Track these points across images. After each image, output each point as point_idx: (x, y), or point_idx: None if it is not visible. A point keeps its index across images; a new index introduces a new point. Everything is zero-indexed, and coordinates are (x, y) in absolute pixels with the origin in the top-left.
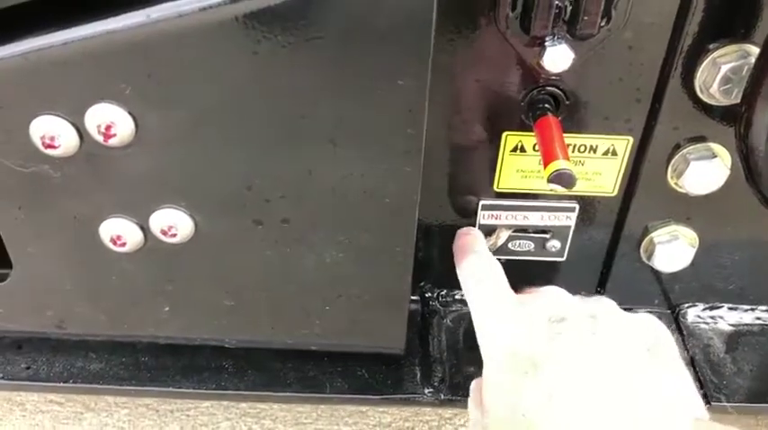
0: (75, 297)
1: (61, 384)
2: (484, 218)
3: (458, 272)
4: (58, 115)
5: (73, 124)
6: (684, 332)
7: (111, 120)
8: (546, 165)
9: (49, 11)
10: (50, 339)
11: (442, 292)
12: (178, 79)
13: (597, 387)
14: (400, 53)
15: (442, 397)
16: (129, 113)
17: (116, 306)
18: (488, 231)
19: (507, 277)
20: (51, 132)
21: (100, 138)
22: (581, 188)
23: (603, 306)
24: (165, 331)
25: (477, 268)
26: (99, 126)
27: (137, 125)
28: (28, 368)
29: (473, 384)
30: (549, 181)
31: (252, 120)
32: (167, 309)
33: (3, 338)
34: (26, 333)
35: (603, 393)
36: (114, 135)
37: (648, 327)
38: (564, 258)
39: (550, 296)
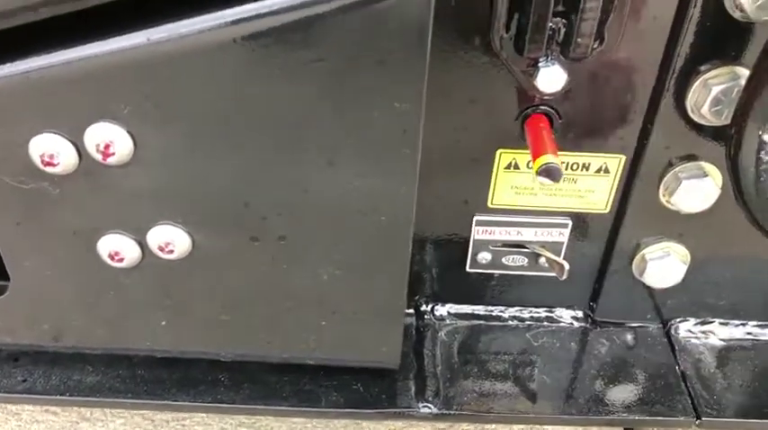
0: (72, 310)
1: (58, 397)
2: (478, 233)
3: None
4: (58, 133)
5: (72, 142)
6: (676, 347)
7: (110, 139)
8: (535, 159)
9: (52, 29)
10: (47, 352)
11: (437, 306)
12: (177, 99)
13: None
14: (396, 77)
15: (437, 411)
16: (128, 132)
17: (113, 320)
18: (483, 246)
19: (501, 292)
20: (51, 150)
21: (99, 157)
22: (574, 205)
23: None
24: (162, 344)
25: None
26: (98, 145)
27: (135, 144)
28: (24, 381)
29: None
30: (538, 174)
31: (250, 140)
32: (164, 322)
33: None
34: (23, 346)
35: None
36: (113, 154)
37: None
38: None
39: None
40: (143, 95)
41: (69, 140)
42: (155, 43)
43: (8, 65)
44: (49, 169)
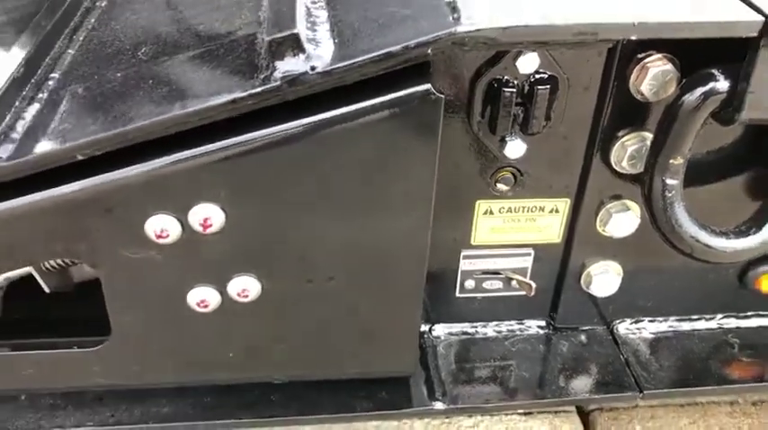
0: (158, 352)
1: (142, 425)
2: (465, 265)
3: None
4: (168, 214)
5: (179, 220)
6: (619, 341)
7: (209, 215)
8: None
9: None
10: (126, 390)
11: (434, 327)
12: (259, 184)
13: None
14: (416, 161)
15: (446, 407)
16: (222, 209)
17: (190, 356)
18: (469, 275)
19: (483, 311)
20: (162, 226)
21: (200, 229)
22: (534, 238)
23: None
24: (227, 374)
25: None
26: (199, 220)
27: (226, 217)
28: (112, 415)
29: None
30: (497, 182)
31: (311, 211)
32: (231, 355)
33: (85, 393)
34: (108, 386)
35: None
36: (210, 226)
37: None
38: (524, 292)
39: None
40: (236, 182)
41: (176, 218)
42: (245, 143)
43: (135, 166)
44: (160, 241)
